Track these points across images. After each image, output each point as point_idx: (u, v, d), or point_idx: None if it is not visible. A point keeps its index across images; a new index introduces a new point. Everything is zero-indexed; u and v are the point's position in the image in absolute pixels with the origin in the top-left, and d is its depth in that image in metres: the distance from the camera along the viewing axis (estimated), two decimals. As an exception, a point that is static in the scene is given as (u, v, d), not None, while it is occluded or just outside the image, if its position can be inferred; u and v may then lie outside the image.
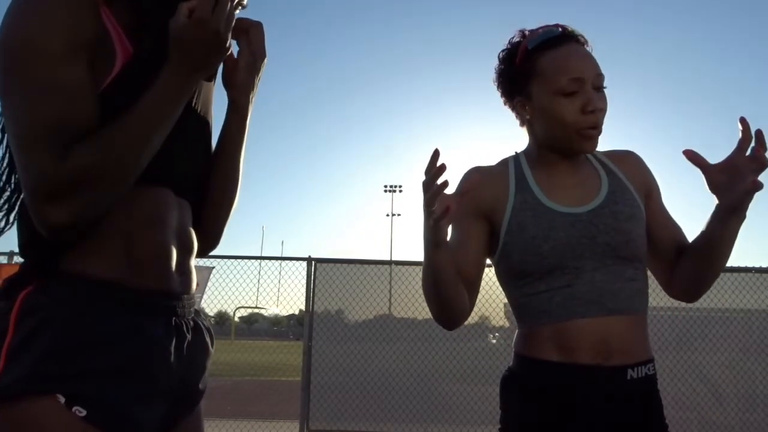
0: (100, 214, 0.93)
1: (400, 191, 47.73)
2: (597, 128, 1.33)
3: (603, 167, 1.43)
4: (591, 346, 1.29)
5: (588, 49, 1.38)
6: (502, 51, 1.44)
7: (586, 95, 1.31)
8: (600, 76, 1.34)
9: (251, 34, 1.13)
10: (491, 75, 1.47)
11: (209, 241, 1.20)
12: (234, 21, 0.99)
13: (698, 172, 1.27)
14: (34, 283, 0.92)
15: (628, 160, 1.47)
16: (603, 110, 1.33)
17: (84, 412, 0.88)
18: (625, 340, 1.30)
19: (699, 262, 1.35)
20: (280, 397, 9.92)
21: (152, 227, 1.01)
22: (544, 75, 1.34)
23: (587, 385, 1.29)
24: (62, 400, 0.87)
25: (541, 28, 1.39)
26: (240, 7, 1.08)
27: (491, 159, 1.51)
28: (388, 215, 47.78)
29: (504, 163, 1.48)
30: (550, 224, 1.33)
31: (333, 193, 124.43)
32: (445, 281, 1.28)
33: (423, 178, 1.16)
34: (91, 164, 0.90)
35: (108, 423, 0.90)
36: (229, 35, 0.99)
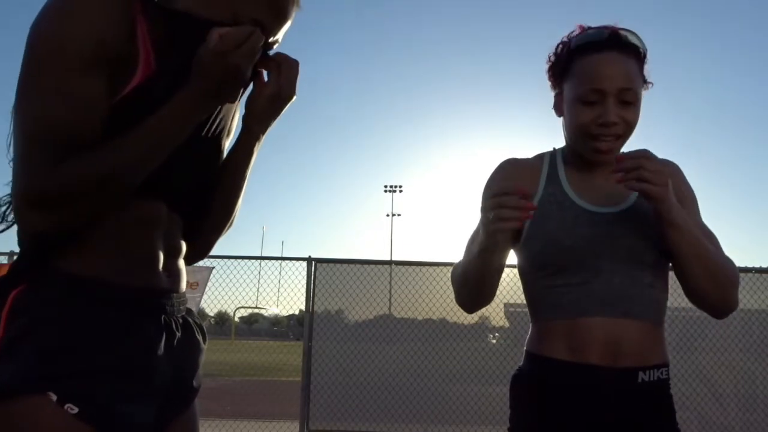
0: (81, 223, 0.94)
1: (400, 191, 47.77)
2: (608, 142, 1.31)
3: None
4: (602, 345, 1.29)
5: (633, 58, 1.33)
6: (559, 42, 1.44)
7: (604, 107, 1.30)
8: (626, 91, 1.30)
9: (283, 69, 1.11)
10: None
11: (197, 254, 1.21)
12: (257, 57, 0.99)
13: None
14: (25, 283, 0.93)
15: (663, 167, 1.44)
16: (619, 124, 1.30)
17: (76, 410, 0.88)
18: (637, 343, 1.30)
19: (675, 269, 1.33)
20: (280, 397, 9.92)
21: (140, 230, 1.01)
22: (574, 79, 1.35)
23: (597, 386, 1.29)
24: (54, 397, 0.87)
25: (594, 28, 1.37)
26: (275, 45, 1.11)
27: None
28: (388, 215, 47.82)
29: (540, 157, 1.49)
30: (575, 220, 1.34)
31: (333, 193, 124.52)
32: (490, 278, 1.35)
33: (491, 197, 1.21)
34: (80, 178, 0.90)
35: (100, 420, 0.90)
36: (250, 70, 0.99)
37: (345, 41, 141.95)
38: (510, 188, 1.20)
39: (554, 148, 1.51)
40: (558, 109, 1.45)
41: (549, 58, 1.45)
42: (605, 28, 1.35)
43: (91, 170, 0.90)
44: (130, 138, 0.93)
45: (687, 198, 1.42)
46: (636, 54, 1.34)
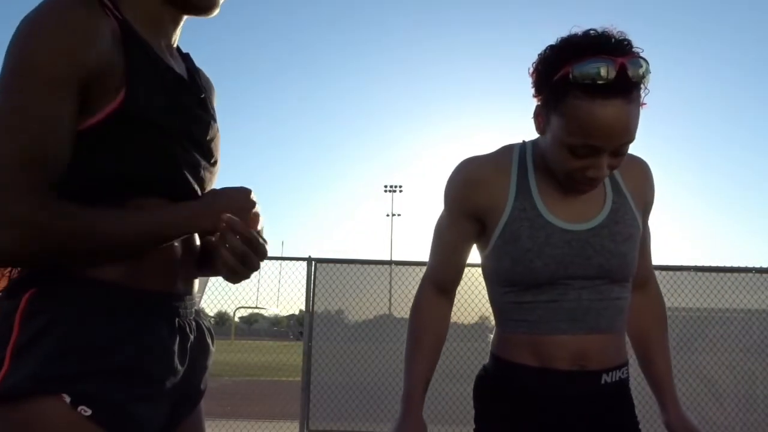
0: (41, 264, 0.92)
1: (400, 191, 47.64)
2: (593, 186, 1.27)
3: (610, 178, 1.37)
4: (568, 357, 1.29)
5: (637, 97, 1.16)
6: (554, 46, 1.21)
7: (595, 162, 1.19)
8: (625, 145, 1.18)
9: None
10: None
11: None
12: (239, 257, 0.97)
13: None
14: (39, 284, 0.92)
15: (635, 170, 1.40)
16: (606, 176, 1.23)
17: (89, 412, 0.88)
18: (602, 352, 1.31)
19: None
20: (280, 397, 9.92)
21: None
22: (567, 121, 1.17)
23: (561, 388, 1.29)
24: (68, 399, 0.87)
25: (596, 55, 1.12)
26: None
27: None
28: (388, 215, 47.72)
29: (506, 155, 1.37)
30: (547, 239, 1.28)
31: (333, 193, 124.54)
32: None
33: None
34: (68, 230, 0.88)
35: (113, 423, 0.90)
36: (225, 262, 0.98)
37: (345, 41, 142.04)
38: None
39: (524, 142, 1.40)
40: (539, 127, 1.28)
41: (536, 66, 1.25)
42: (609, 59, 1.12)
43: (77, 227, 0.89)
44: (136, 219, 0.95)
45: (648, 203, 1.43)
46: (640, 86, 1.17)
